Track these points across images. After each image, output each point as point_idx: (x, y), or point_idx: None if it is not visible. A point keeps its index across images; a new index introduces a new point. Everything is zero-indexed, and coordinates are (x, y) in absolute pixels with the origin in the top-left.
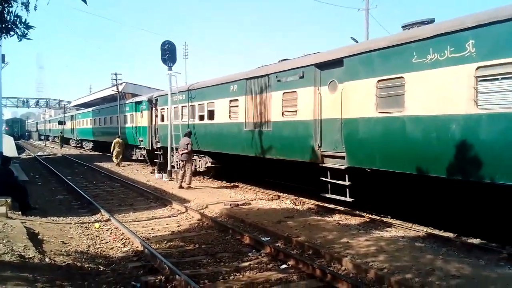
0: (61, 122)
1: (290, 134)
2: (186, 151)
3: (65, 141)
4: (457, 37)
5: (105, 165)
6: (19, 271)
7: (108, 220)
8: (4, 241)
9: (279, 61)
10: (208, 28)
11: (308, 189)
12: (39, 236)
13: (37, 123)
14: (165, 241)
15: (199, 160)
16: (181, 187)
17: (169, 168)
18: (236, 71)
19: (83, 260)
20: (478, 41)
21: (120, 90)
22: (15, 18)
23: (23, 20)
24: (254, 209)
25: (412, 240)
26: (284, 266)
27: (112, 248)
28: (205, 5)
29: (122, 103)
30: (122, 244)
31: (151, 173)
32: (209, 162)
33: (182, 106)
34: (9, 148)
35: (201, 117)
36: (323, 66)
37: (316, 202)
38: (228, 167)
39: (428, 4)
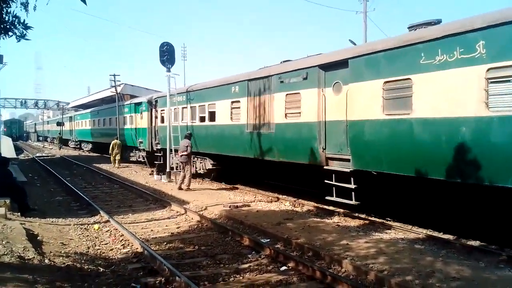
0: (59, 123)
1: (293, 136)
2: (185, 153)
3: (63, 142)
4: (466, 38)
5: (104, 166)
6: (18, 272)
7: (107, 221)
8: (3, 242)
9: (281, 62)
10: (207, 28)
11: (307, 191)
12: (38, 238)
13: (35, 124)
14: (165, 243)
15: (200, 162)
16: (180, 188)
17: (168, 170)
18: (235, 71)
19: (83, 261)
20: (489, 42)
21: (118, 92)
22: (14, 19)
23: (22, 21)
24: (253, 211)
25: (412, 242)
26: (284, 268)
27: (111, 250)
28: (204, 5)
29: (121, 104)
30: (122, 245)
31: (150, 174)
32: (210, 164)
33: (183, 108)
34: (8, 149)
35: (202, 119)
36: (328, 67)
37: (316, 204)
38: (229, 169)
39: (426, 7)
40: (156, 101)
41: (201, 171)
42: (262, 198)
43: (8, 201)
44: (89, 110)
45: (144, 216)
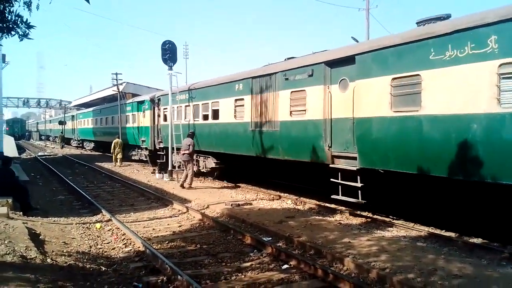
0: (61, 122)
1: (298, 134)
2: (187, 152)
3: (65, 141)
4: (478, 33)
5: (106, 165)
6: (21, 272)
7: (109, 220)
8: (5, 242)
9: (285, 59)
10: (210, 27)
11: (309, 189)
12: (40, 237)
13: (37, 123)
14: (167, 241)
15: (203, 161)
16: (182, 186)
17: (170, 168)
18: (237, 70)
19: (85, 260)
20: (501, 37)
21: (120, 90)
22: (16, 18)
23: (24, 20)
24: (255, 209)
25: (413, 240)
26: (285, 266)
27: (113, 249)
28: (206, 4)
29: (124, 102)
30: (124, 244)
31: (152, 173)
32: (213, 162)
33: (186, 106)
34: (10, 148)
35: (205, 117)
36: (334, 63)
37: (317, 202)
38: (233, 168)
39: (427, 4)
40: (159, 100)
41: (204, 170)
42: (264, 196)
43: (10, 200)
44: (91, 109)
45: (146, 215)
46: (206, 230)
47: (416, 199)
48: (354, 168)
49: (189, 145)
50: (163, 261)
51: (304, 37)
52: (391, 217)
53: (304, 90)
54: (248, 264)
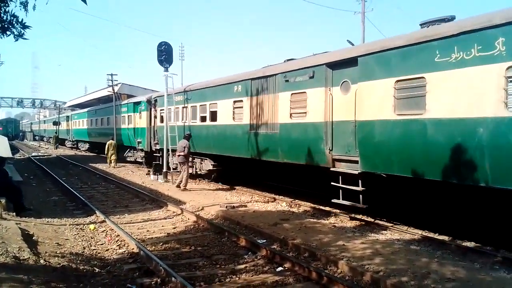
0: (56, 123)
1: (298, 136)
2: (182, 153)
3: (60, 141)
4: (485, 35)
5: (100, 166)
6: (14, 273)
7: (103, 221)
8: None
9: (284, 61)
10: (207, 28)
11: (303, 192)
12: (33, 238)
13: (31, 123)
14: (161, 243)
15: (200, 163)
16: (178, 186)
17: (164, 170)
18: (234, 71)
19: (78, 261)
20: (509, 39)
21: (116, 91)
22: (12, 18)
23: (20, 20)
24: (250, 211)
25: (407, 243)
26: (280, 268)
27: (107, 250)
28: (203, 5)
29: (119, 103)
30: (118, 245)
31: (146, 174)
32: (211, 165)
33: (183, 107)
34: (3, 149)
35: (203, 119)
36: (335, 65)
37: (312, 205)
38: (230, 171)
39: (424, 8)
40: (156, 101)
41: (202, 172)
42: (258, 198)
43: (3, 200)
44: (86, 110)
45: (140, 216)
46: (200, 232)
47: (416, 204)
48: (356, 172)
49: (184, 147)
50: (157, 263)
51: (301, 39)
52: (384, 220)
53: (304, 92)
54: (242, 266)
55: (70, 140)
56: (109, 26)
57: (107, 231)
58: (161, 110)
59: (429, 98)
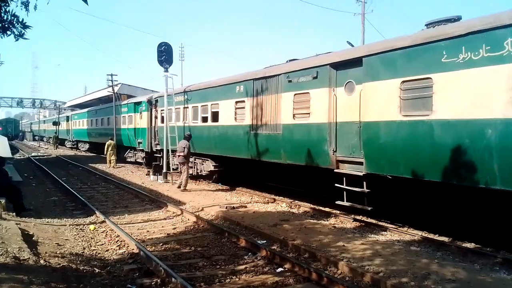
0: (55, 123)
1: (302, 137)
2: (182, 154)
3: (59, 142)
4: (493, 35)
5: (100, 166)
6: (14, 273)
7: (103, 222)
8: None
9: (287, 61)
10: (206, 27)
11: (303, 192)
12: (33, 238)
13: (31, 123)
14: (161, 244)
15: (202, 164)
16: (179, 187)
17: (164, 170)
18: (234, 72)
19: (78, 262)
20: None
21: (115, 91)
22: (12, 18)
23: (20, 20)
24: (250, 212)
25: (407, 244)
26: (280, 269)
27: (107, 250)
28: (203, 6)
29: (119, 103)
30: (118, 246)
31: (146, 175)
32: (212, 166)
33: (184, 108)
34: (3, 149)
35: (204, 119)
36: (339, 65)
37: (312, 206)
38: (232, 171)
39: (424, 9)
40: (156, 101)
41: (203, 173)
42: (258, 199)
43: (3, 201)
44: (86, 110)
45: (140, 217)
46: (200, 232)
47: (419, 205)
48: (361, 174)
49: (184, 147)
50: (157, 263)
51: (300, 40)
52: (384, 221)
53: (308, 92)
54: (242, 267)
55: (70, 140)
56: (109, 26)
57: (107, 232)
58: (161, 110)
59: (436, 98)
